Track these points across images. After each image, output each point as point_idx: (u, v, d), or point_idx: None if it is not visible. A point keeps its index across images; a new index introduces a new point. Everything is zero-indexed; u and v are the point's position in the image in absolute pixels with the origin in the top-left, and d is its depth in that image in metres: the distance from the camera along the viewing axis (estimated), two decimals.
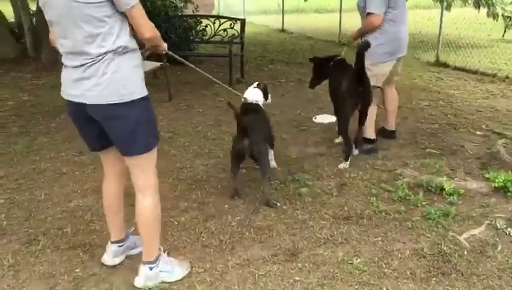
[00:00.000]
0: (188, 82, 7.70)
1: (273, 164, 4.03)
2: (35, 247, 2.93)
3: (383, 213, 3.32)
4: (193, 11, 9.49)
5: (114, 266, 2.75)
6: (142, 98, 2.29)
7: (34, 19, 9.26)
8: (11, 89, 7.28)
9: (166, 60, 7.14)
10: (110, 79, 2.18)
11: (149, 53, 3.32)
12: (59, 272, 2.69)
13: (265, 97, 4.06)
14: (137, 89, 2.27)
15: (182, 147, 4.67)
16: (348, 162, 4.13)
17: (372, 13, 4.09)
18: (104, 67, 2.17)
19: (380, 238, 3.02)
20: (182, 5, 9.54)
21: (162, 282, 2.57)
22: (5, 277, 2.65)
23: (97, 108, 2.24)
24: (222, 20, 8.35)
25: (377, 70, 4.22)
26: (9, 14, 10.31)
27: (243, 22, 8.08)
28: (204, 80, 7.67)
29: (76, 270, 2.72)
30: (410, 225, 3.16)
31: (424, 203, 3.44)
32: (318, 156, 4.39)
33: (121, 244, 2.76)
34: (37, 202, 3.54)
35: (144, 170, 2.43)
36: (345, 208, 3.42)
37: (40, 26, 8.79)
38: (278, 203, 3.46)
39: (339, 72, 4.30)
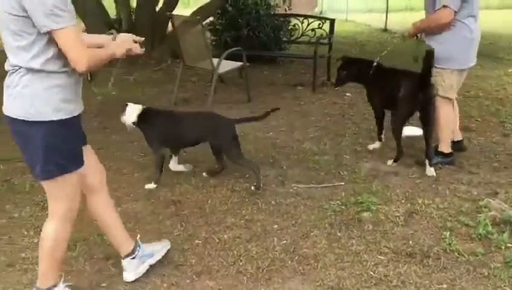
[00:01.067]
0: (272, 83, 7.47)
1: None
2: (71, 253, 2.87)
3: (455, 253, 2.82)
4: (285, 10, 9.22)
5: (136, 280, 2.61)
6: (51, 122, 2.08)
7: (133, 17, 9.57)
8: (102, 83, 7.54)
9: (247, 60, 7.00)
10: (20, 93, 2.06)
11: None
12: (85, 284, 2.60)
13: None
14: (47, 111, 2.07)
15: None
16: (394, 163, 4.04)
17: (445, 6, 3.56)
18: (17, 79, 2.05)
19: (445, 286, 2.55)
20: (275, 3, 9.32)
21: None
22: (33, 284, 2.59)
23: (8, 119, 2.12)
24: (310, 20, 7.99)
25: (451, 79, 3.80)
26: (114, 10, 10.82)
27: (332, 22, 7.65)
28: (287, 82, 7.45)
29: (103, 285, 2.60)
30: (486, 273, 2.64)
31: (509, 245, 2.87)
32: (392, 175, 3.92)
33: (133, 256, 2.60)
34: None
35: (50, 196, 2.27)
36: (410, 242, 2.96)
37: (138, 23, 9.08)
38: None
39: (386, 78, 4.15)
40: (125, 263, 2.62)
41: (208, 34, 9.33)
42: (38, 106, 2.06)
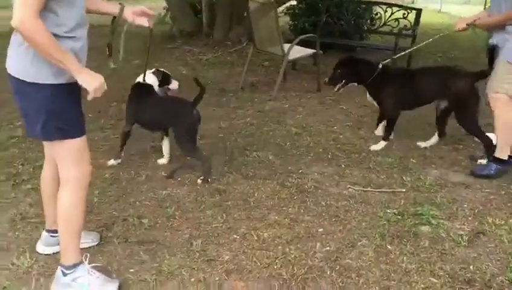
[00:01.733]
0: None
1: None
2: (106, 233, 2.83)
3: None
4: None
5: (47, 255, 2.57)
6: (52, 86, 2.03)
7: None
8: (176, 62, 7.60)
9: (324, 48, 6.69)
10: (22, 52, 2.01)
11: None
12: (114, 268, 2.53)
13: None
14: (47, 73, 2.01)
15: (305, 148, 4.20)
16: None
17: None
18: (21, 38, 1.96)
19: None
20: None
21: None
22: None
23: (9, 77, 2.08)
24: (394, 9, 7.48)
25: None
26: None
27: (418, 12, 7.12)
28: None
29: (131, 270, 2.52)
30: None
31: None
32: (461, 187, 3.51)
33: (53, 234, 2.53)
34: (136, 183, 3.48)
35: (60, 160, 2.21)
36: (471, 266, 2.60)
37: (218, 2, 9.02)
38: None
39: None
40: (44, 235, 2.60)
41: (287, 18, 9.11)
42: (39, 67, 2.01)
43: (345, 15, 8.01)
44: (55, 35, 1.96)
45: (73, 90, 2.11)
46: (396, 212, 3.11)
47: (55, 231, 2.56)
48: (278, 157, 3.94)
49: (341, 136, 4.50)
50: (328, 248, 2.74)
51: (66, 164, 2.21)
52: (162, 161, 3.81)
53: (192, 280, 2.45)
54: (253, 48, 6.11)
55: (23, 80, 2.05)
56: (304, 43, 6.06)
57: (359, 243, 2.79)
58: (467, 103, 3.87)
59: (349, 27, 8.02)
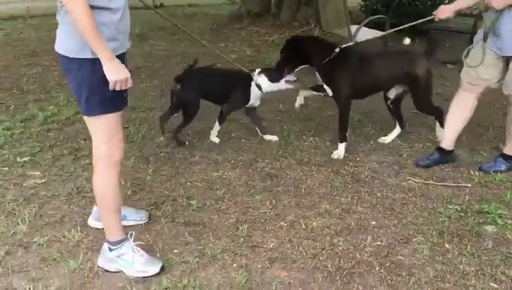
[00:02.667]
0: None
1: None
2: (155, 212, 2.85)
3: None
4: None
5: (97, 230, 2.60)
6: (94, 60, 2.03)
7: None
8: (242, 42, 7.57)
9: (396, 30, 6.34)
10: (65, 30, 2.06)
11: None
12: (158, 248, 2.54)
13: None
14: (87, 48, 2.01)
15: (365, 135, 4.02)
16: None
17: None
18: (63, 16, 2.04)
19: None
20: None
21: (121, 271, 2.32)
22: None
23: (58, 56, 2.13)
24: None
25: None
26: None
27: None
28: (437, 58, 6.63)
29: (175, 251, 2.52)
30: None
31: None
32: None
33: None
34: (189, 163, 3.48)
35: (94, 135, 2.24)
36: None
37: None
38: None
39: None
40: (95, 209, 2.65)
41: None
42: (80, 42, 2.02)
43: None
44: (92, 6, 1.96)
45: None
46: (459, 209, 2.89)
47: None
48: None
49: (406, 124, 4.24)
50: (379, 243, 2.59)
51: (98, 140, 2.23)
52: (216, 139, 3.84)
53: (235, 265, 2.41)
54: (319, 29, 5.92)
55: (66, 57, 2.09)
56: (373, 25, 5.79)
57: (414, 240, 2.61)
58: (427, 84, 3.56)
59: (425, 8, 7.55)
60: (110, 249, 2.33)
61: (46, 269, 2.36)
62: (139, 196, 3.04)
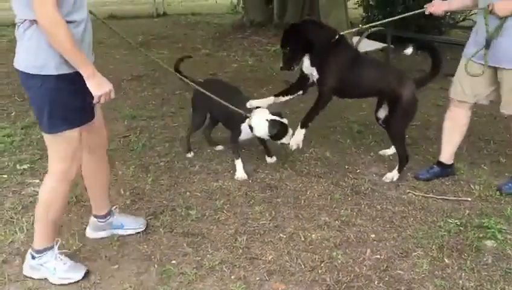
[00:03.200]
0: (420, 70, 6.69)
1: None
2: (153, 222, 2.84)
3: None
4: None
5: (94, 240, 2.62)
6: (56, 76, 2.02)
7: None
8: (244, 51, 7.59)
9: (398, 42, 6.38)
10: (25, 46, 2.02)
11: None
12: (156, 258, 2.52)
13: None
14: (50, 64, 2.00)
15: (365, 147, 4.01)
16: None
17: None
18: (22, 32, 2.01)
19: None
20: None
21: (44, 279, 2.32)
22: (110, 247, 2.61)
23: (18, 72, 2.09)
24: None
25: None
26: None
27: None
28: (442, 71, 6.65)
29: (173, 261, 2.50)
30: None
31: None
32: None
33: (101, 220, 2.65)
34: (188, 173, 3.48)
35: (52, 154, 2.21)
36: None
37: None
38: None
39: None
40: (91, 220, 2.68)
41: (361, 10, 8.82)
42: (42, 58, 2.01)
43: (422, 7, 7.57)
44: None
45: (78, 77, 2.06)
46: (459, 223, 2.87)
47: (103, 217, 2.62)
48: (335, 155, 3.79)
49: (406, 137, 4.22)
50: (378, 256, 2.58)
51: (52, 155, 2.21)
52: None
53: (233, 277, 2.39)
54: None
55: (27, 73, 2.06)
56: (375, 37, 5.81)
57: (413, 254, 2.60)
58: (409, 111, 3.37)
59: (426, 21, 7.58)
60: (33, 257, 2.33)
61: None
62: (138, 206, 3.04)
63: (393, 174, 3.41)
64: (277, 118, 3.26)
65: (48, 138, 2.20)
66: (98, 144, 2.48)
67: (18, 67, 2.10)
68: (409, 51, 3.46)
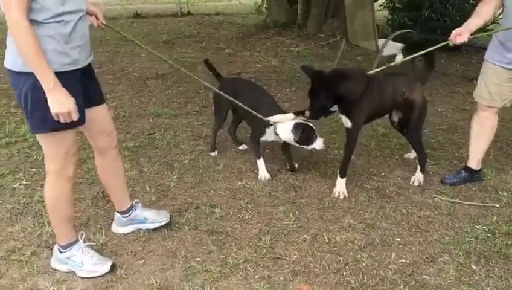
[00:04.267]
0: (446, 73, 6.66)
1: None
2: (178, 219, 2.86)
3: None
4: None
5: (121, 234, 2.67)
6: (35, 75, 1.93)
7: None
8: (267, 52, 7.58)
9: (423, 45, 6.30)
10: (11, 43, 1.96)
11: None
12: (181, 255, 2.54)
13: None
14: None
15: (390, 150, 3.97)
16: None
17: None
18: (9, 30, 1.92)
19: None
20: None
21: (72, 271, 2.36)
22: (136, 242, 2.64)
23: (6, 70, 2.05)
24: None
25: None
26: None
27: None
28: (465, 75, 6.57)
29: (197, 259, 2.52)
30: None
31: None
32: None
33: (124, 215, 2.67)
34: (212, 171, 3.49)
35: (44, 150, 2.17)
36: None
37: None
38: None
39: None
40: (116, 216, 2.70)
41: (386, 12, 8.73)
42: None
43: (449, 11, 7.48)
44: (35, 21, 1.90)
45: (64, 78, 1.98)
46: (487, 229, 2.82)
47: (125, 212, 2.65)
48: (360, 157, 3.76)
49: (432, 140, 4.19)
50: (403, 260, 2.55)
51: (49, 156, 2.18)
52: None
53: (257, 276, 2.40)
54: (345, 41, 5.90)
55: (13, 71, 2.01)
56: (400, 40, 5.74)
57: (440, 259, 2.56)
58: (422, 113, 3.30)
59: (453, 24, 7.47)
60: (60, 251, 2.37)
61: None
62: (162, 203, 3.06)
63: (419, 176, 3.38)
64: (302, 121, 3.19)
65: (39, 138, 2.17)
66: (108, 145, 2.45)
67: (6, 65, 2.05)
68: (398, 58, 3.46)
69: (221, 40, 8.52)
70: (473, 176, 3.39)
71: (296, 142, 3.18)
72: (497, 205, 3.11)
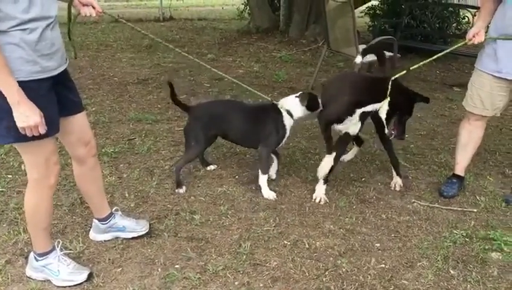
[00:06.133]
0: (425, 80, 6.76)
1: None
2: (157, 226, 2.83)
3: None
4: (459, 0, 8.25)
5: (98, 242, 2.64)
6: None
7: None
8: (250, 57, 7.61)
9: (403, 51, 6.39)
10: None
11: None
12: (160, 262, 2.51)
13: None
14: None
15: (370, 155, 4.00)
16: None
17: None
18: None
19: None
20: None
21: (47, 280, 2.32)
22: (114, 250, 2.60)
23: None
24: None
25: None
26: None
27: None
28: (444, 81, 6.67)
29: (176, 266, 2.49)
30: None
31: None
32: None
33: (103, 222, 2.64)
34: (193, 177, 3.47)
35: (24, 160, 2.15)
36: None
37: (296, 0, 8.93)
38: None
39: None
40: (94, 223, 2.67)
41: (367, 19, 8.83)
42: None
43: (429, 18, 7.60)
44: (4, 30, 1.84)
45: (32, 87, 1.93)
46: (464, 234, 2.85)
47: (104, 219, 2.61)
48: (340, 162, 3.77)
49: (411, 146, 4.24)
50: (383, 265, 2.56)
51: (30, 165, 2.13)
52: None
53: (236, 283, 2.38)
54: (327, 48, 5.94)
55: None
56: (383, 46, 5.79)
57: (418, 264, 2.58)
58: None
59: (432, 31, 7.60)
60: (36, 259, 2.32)
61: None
62: (142, 209, 3.03)
63: (397, 180, 3.42)
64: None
65: (17, 147, 2.12)
66: (86, 154, 2.40)
67: None
68: (358, 59, 3.51)
69: (204, 45, 8.52)
70: (463, 182, 3.41)
71: (306, 107, 3.18)
72: (475, 210, 3.15)
